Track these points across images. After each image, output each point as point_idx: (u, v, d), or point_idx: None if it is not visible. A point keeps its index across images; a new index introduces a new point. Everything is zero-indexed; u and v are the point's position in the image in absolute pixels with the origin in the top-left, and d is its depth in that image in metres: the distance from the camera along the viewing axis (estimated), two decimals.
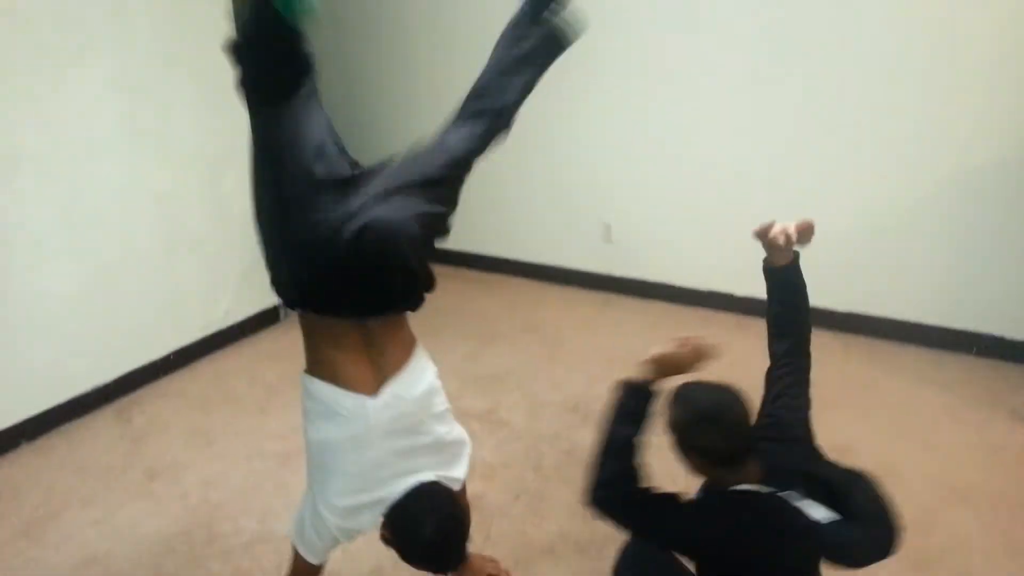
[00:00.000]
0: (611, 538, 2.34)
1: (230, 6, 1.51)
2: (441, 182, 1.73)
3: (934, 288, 3.61)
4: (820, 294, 3.84)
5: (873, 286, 3.76)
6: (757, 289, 3.79)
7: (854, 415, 3.12)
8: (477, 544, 2.40)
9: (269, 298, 4.08)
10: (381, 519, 1.82)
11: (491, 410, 3.23)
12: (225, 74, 1.49)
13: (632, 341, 3.79)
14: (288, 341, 3.94)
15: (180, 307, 3.64)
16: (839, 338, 3.77)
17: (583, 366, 3.57)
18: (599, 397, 3.26)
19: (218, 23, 2.59)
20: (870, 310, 3.78)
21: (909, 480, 2.71)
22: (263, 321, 4.07)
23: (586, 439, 2.99)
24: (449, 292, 4.49)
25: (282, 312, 4.15)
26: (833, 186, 3.68)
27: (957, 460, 2.82)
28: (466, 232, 4.81)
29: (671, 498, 1.69)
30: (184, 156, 3.56)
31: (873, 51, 3.43)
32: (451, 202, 1.78)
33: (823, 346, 3.68)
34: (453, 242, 5.00)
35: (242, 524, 2.58)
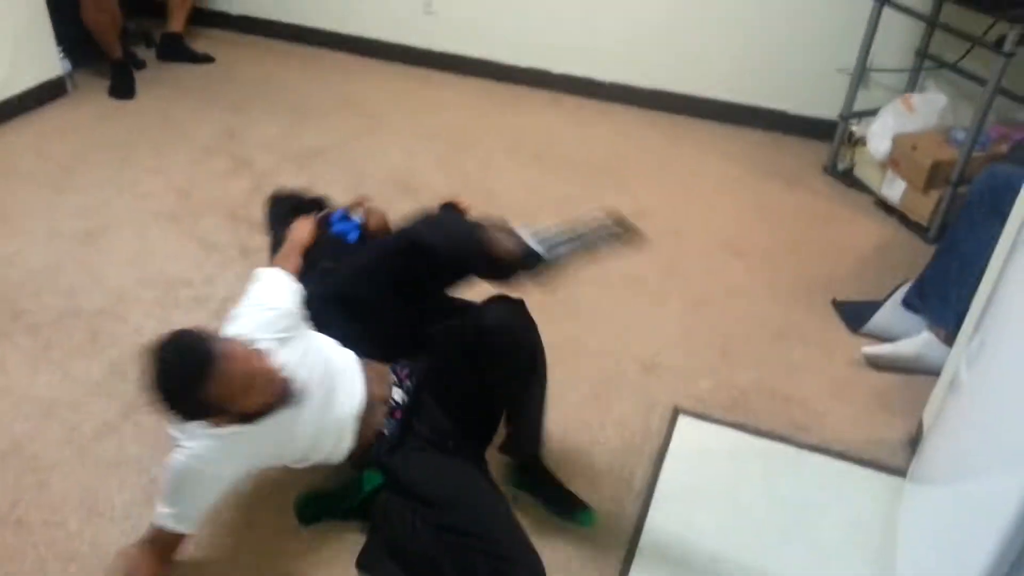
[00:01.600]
0: None
1: None
2: None
3: (727, 66, 3.83)
4: (627, 72, 4.01)
5: (672, 64, 3.93)
6: (573, 68, 3.87)
7: (650, 183, 3.38)
8: None
9: (53, 67, 3.69)
10: None
11: (309, 185, 3.20)
12: None
13: (450, 116, 3.81)
14: (79, 115, 3.64)
15: None
16: (643, 114, 3.96)
17: (401, 141, 3.57)
18: (419, 171, 3.33)
19: None
20: (669, 87, 3.97)
21: (693, 238, 3.03)
22: (48, 93, 3.69)
23: (407, 209, 3.06)
24: (259, 65, 4.26)
25: (69, 83, 3.78)
26: None
27: (735, 220, 3.16)
28: (278, 1, 4.50)
29: None
30: None
31: None
32: None
33: (630, 121, 3.91)
34: (260, 10, 4.71)
35: (47, 301, 2.50)
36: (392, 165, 3.37)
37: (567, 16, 3.95)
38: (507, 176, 3.35)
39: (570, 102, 4.05)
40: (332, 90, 4.02)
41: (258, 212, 2.98)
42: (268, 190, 3.10)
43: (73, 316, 2.43)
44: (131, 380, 2.20)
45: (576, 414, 2.20)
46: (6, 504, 1.87)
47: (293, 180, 3.20)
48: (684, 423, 2.19)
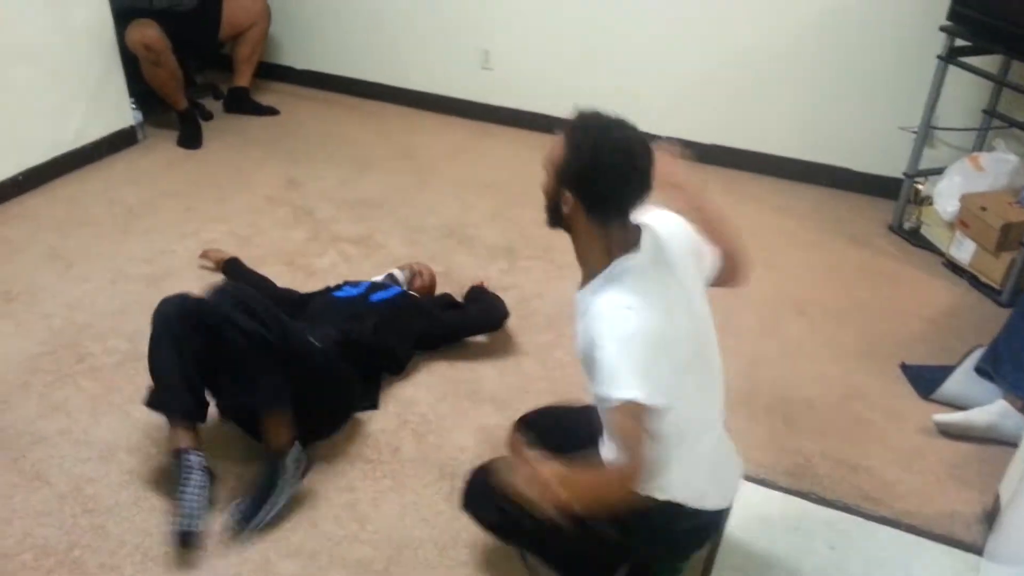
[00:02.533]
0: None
1: None
2: None
3: (789, 122, 3.81)
4: (685, 126, 4.01)
5: (733, 120, 3.91)
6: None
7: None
8: None
9: (125, 117, 3.83)
10: None
11: (367, 235, 3.24)
12: None
13: (505, 169, 3.83)
14: (147, 163, 3.76)
15: (23, 125, 3.36)
16: (702, 169, 3.93)
17: (457, 193, 3.60)
18: (474, 222, 3.34)
19: None
20: (729, 142, 3.95)
21: (753, 295, 2.95)
22: (119, 142, 3.82)
23: (462, 262, 3.07)
24: (322, 118, 4.36)
25: (140, 133, 3.91)
26: (700, 22, 3.74)
27: (796, 278, 3.10)
28: (338, 55, 4.62)
29: None
30: None
31: None
32: None
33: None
34: (324, 65, 4.85)
35: (111, 344, 2.54)
36: (448, 216, 3.39)
37: (622, 70, 3.98)
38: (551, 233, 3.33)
39: None
40: (391, 142, 4.09)
41: (315, 260, 3.04)
42: (327, 239, 3.17)
43: (135, 360, 2.47)
44: None
45: None
46: (63, 545, 1.87)
47: (351, 229, 3.26)
48: (746, 489, 2.10)
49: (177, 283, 2.87)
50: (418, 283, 2.73)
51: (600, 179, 1.44)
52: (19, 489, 2.01)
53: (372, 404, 2.32)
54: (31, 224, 3.20)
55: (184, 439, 1.95)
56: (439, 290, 2.81)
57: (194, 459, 1.92)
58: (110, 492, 2.02)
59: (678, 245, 1.58)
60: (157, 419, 2.22)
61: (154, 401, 1.98)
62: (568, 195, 1.48)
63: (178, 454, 1.93)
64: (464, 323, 2.63)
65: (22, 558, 1.84)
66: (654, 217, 1.59)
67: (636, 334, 1.41)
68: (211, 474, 1.97)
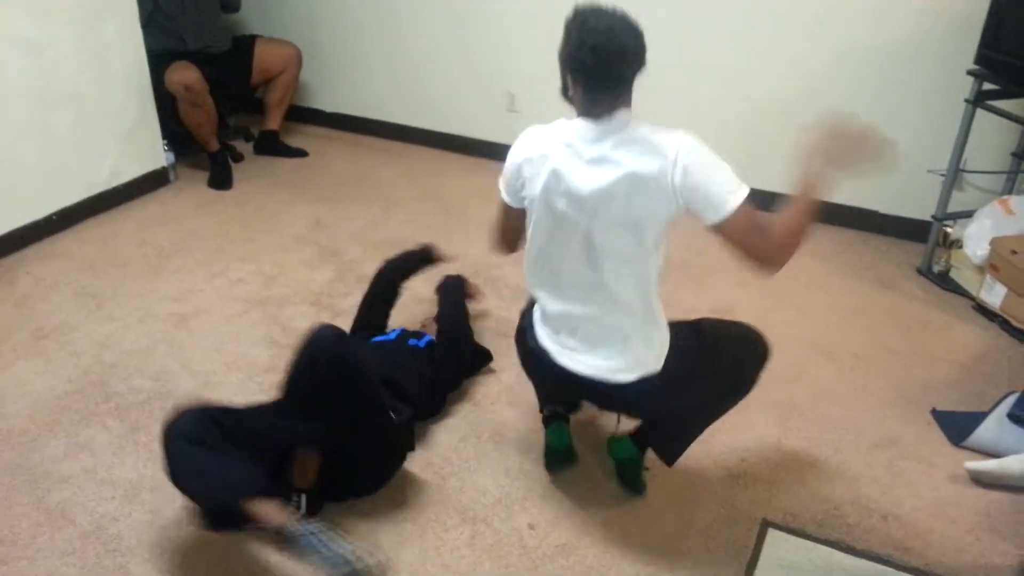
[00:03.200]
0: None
1: None
2: None
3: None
4: None
5: (757, 161, 3.90)
6: None
7: (735, 280, 3.31)
8: None
9: (157, 158, 3.91)
10: None
11: None
12: None
13: None
14: (178, 204, 3.82)
15: (59, 166, 3.45)
16: None
17: (482, 234, 3.60)
18: (497, 264, 3.35)
19: None
20: (754, 184, 3.92)
21: (781, 339, 2.90)
22: (151, 183, 3.90)
23: (486, 303, 3.07)
24: (350, 160, 4.43)
25: (171, 174, 3.99)
26: (725, 67, 3.77)
27: (825, 322, 3.06)
28: (367, 98, 4.70)
29: None
30: (56, 1, 3.28)
31: None
32: None
33: None
34: (353, 108, 4.92)
35: (137, 384, 2.57)
36: (474, 256, 3.40)
37: (645, 114, 3.99)
38: None
39: None
40: (418, 183, 4.13)
41: (340, 301, 3.06)
42: (352, 279, 3.19)
43: (161, 399, 2.49)
44: None
45: (656, 521, 2.11)
46: None
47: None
48: (774, 537, 2.07)
49: (205, 320, 2.90)
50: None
51: (577, 58, 1.73)
52: (44, 528, 2.02)
53: (410, 447, 2.27)
54: (64, 263, 3.26)
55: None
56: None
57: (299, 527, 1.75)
58: (133, 532, 2.02)
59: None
60: None
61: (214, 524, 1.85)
62: (568, 77, 1.80)
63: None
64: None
65: None
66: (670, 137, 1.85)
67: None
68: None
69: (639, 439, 2.20)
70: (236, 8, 4.21)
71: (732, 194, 1.85)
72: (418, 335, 2.57)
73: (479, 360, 2.68)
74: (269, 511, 1.73)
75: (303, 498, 1.99)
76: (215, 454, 1.81)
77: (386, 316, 2.72)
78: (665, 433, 2.15)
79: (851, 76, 3.57)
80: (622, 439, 2.21)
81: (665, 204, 1.78)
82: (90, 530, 2.02)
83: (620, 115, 1.80)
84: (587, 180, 1.78)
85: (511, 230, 2.14)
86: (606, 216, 1.78)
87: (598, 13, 1.72)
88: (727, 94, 3.83)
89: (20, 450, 2.27)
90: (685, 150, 1.80)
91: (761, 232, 1.89)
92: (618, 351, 1.89)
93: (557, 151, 1.84)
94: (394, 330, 2.61)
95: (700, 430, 2.12)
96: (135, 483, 2.17)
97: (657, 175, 1.76)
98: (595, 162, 1.78)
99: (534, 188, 1.88)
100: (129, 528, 2.03)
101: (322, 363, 1.87)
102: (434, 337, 2.58)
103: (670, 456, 2.16)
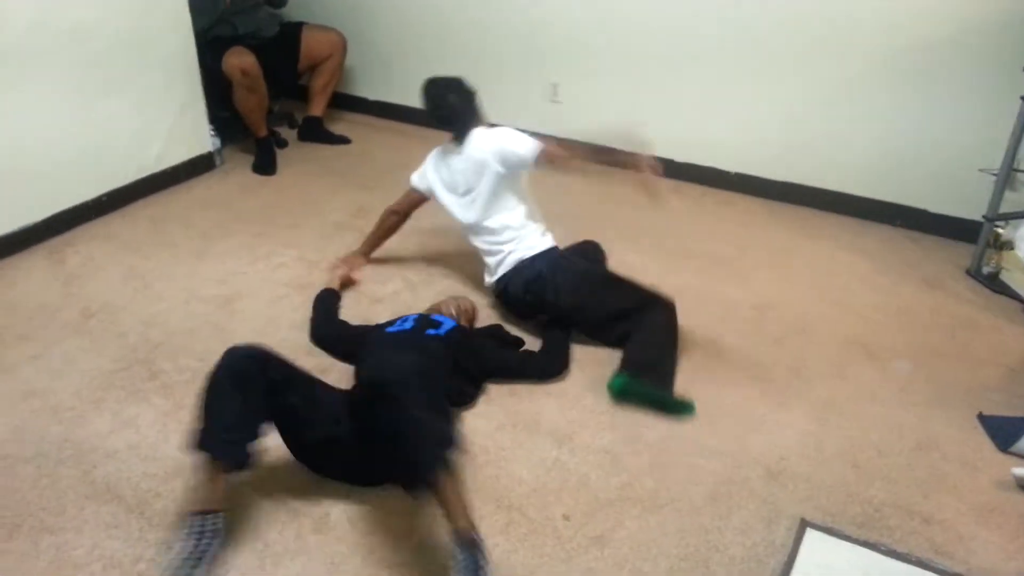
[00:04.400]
0: None
1: None
2: None
3: (866, 161, 3.73)
4: (755, 163, 3.97)
5: (805, 158, 3.85)
6: (695, 156, 3.89)
7: (777, 276, 3.27)
8: None
9: (204, 143, 3.97)
10: None
11: (432, 264, 3.28)
12: None
13: (570, 201, 3.83)
14: (224, 188, 3.88)
15: (110, 149, 3.52)
16: (769, 205, 3.89)
17: None
18: None
19: None
20: (801, 180, 3.89)
21: (822, 337, 2.89)
22: (198, 167, 3.97)
23: None
24: (392, 148, 4.45)
25: (217, 158, 4.05)
26: (776, 62, 3.71)
27: (869, 321, 3.01)
28: (410, 86, 4.69)
29: None
30: None
31: None
32: None
33: (753, 212, 3.84)
34: (396, 96, 4.96)
35: (183, 363, 2.61)
36: None
37: (693, 106, 3.97)
38: (626, 263, 3.31)
39: (693, 191, 4.02)
40: None
41: (379, 288, 3.08)
42: (392, 267, 3.21)
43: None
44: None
45: (692, 516, 2.10)
46: (129, 559, 1.91)
47: (417, 258, 3.30)
48: (812, 537, 2.04)
49: (248, 303, 2.95)
50: (464, 321, 2.73)
51: (431, 109, 2.93)
52: (90, 501, 2.07)
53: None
54: (113, 243, 3.33)
55: (216, 495, 1.89)
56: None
57: (220, 524, 1.87)
58: (175, 508, 2.06)
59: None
60: None
61: (203, 442, 1.89)
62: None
63: (204, 516, 1.86)
64: (521, 369, 2.61)
65: (91, 568, 1.88)
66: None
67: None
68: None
69: (626, 368, 2.52)
70: (283, 4, 4.26)
71: (525, 147, 2.73)
72: (435, 323, 2.54)
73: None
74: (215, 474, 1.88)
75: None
76: (239, 410, 1.90)
77: None
78: (637, 359, 2.53)
79: (905, 74, 3.50)
80: (612, 378, 2.50)
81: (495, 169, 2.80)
82: (134, 504, 2.07)
83: (471, 131, 2.90)
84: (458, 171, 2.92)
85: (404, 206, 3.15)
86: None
87: (435, 83, 2.96)
88: (779, 90, 3.77)
89: (67, 425, 2.33)
90: (495, 137, 2.84)
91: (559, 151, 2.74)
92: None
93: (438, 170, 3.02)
94: (409, 316, 2.59)
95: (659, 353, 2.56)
96: (179, 460, 2.21)
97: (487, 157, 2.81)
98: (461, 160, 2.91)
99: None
100: (172, 504, 2.07)
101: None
102: (457, 322, 2.60)
103: (664, 384, 2.50)
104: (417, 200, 3.08)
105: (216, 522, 1.88)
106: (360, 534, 2.00)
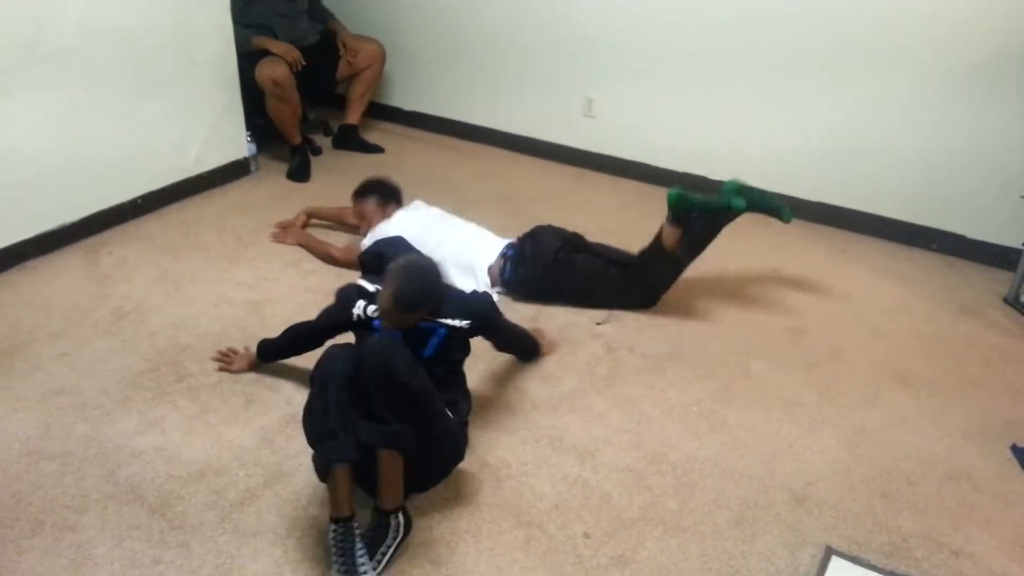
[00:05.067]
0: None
1: None
2: None
3: (900, 184, 3.67)
4: (790, 183, 3.93)
5: (841, 179, 3.80)
6: (727, 173, 3.86)
7: (811, 300, 3.23)
8: None
9: (240, 149, 4.02)
10: None
11: None
12: None
13: (601, 215, 3.82)
14: (258, 194, 3.92)
15: (148, 151, 3.57)
16: (804, 226, 3.84)
17: None
18: None
19: None
20: (837, 201, 3.84)
21: (856, 363, 2.84)
22: (233, 172, 4.01)
23: (552, 308, 3.05)
24: (425, 158, 4.47)
25: (252, 164, 4.10)
26: (813, 81, 3.68)
27: (903, 347, 2.95)
28: (445, 98, 4.74)
29: None
30: None
31: None
32: None
33: (789, 232, 3.79)
34: (431, 107, 4.97)
35: (209, 366, 2.63)
36: None
37: (729, 126, 3.94)
38: None
39: None
40: (490, 184, 4.14)
41: None
42: None
43: (231, 382, 2.55)
44: (278, 450, 2.27)
45: (716, 540, 2.06)
46: (148, 559, 1.92)
47: None
48: (837, 565, 2.00)
49: (277, 308, 2.97)
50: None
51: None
52: (113, 500, 2.09)
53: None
54: (147, 245, 3.37)
55: (348, 500, 1.90)
56: None
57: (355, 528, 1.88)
58: (197, 511, 2.07)
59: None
60: (246, 442, 2.29)
61: (328, 455, 1.91)
62: None
63: (348, 522, 1.87)
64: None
65: (111, 568, 1.89)
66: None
67: None
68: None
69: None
70: (323, 18, 4.32)
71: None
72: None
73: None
74: None
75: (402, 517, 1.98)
76: (343, 415, 1.91)
77: None
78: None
79: (946, 97, 3.44)
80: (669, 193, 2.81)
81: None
82: (156, 506, 2.08)
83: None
84: None
85: None
86: None
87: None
88: (816, 110, 3.73)
89: (94, 423, 2.35)
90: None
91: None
92: None
93: None
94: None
95: None
96: (202, 463, 2.22)
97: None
98: None
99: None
100: (193, 507, 2.08)
101: (373, 380, 1.90)
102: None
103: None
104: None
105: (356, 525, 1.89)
106: None
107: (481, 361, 2.65)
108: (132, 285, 3.09)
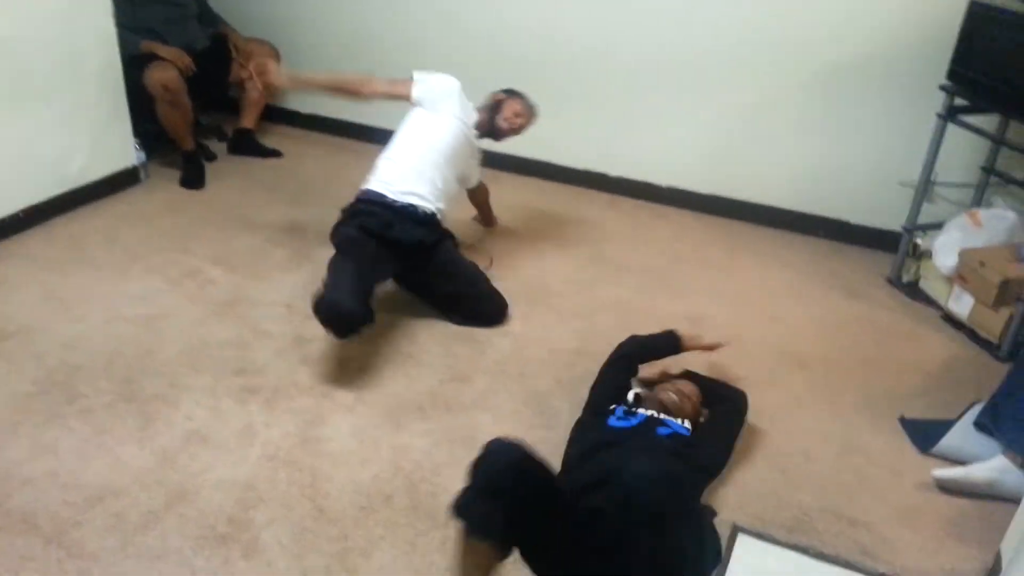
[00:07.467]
0: None
1: None
2: None
3: (789, 175, 3.84)
4: (685, 177, 4.05)
5: (732, 171, 3.95)
6: (629, 170, 3.91)
7: (708, 288, 3.33)
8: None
9: (128, 157, 3.86)
10: None
11: None
12: None
13: (506, 216, 3.84)
14: (149, 204, 3.77)
15: (29, 162, 3.39)
16: (699, 218, 3.96)
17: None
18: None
19: None
20: (729, 193, 3.97)
21: (753, 347, 2.95)
22: (122, 181, 3.84)
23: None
24: (325, 162, 4.42)
25: (142, 173, 3.94)
26: (701, 75, 3.80)
27: (797, 330, 3.09)
28: (340, 101, 4.66)
29: None
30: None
31: None
32: None
33: (686, 225, 3.91)
34: (331, 110, 4.89)
35: (103, 385, 2.52)
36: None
37: (621, 121, 4.02)
38: (560, 275, 3.34)
39: (626, 204, 4.08)
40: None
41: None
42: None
43: (127, 401, 2.45)
44: (180, 469, 2.19)
45: None
46: None
47: None
48: (743, 542, 2.08)
49: (172, 323, 2.86)
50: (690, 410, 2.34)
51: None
52: (4, 532, 1.98)
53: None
54: (30, 262, 3.20)
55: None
56: None
57: None
58: (96, 537, 1.98)
59: None
60: (145, 463, 2.21)
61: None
62: None
63: None
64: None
65: None
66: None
67: None
68: None
69: None
70: (213, 23, 4.21)
71: None
72: (664, 423, 2.18)
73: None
74: None
75: None
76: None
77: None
78: None
79: (826, 89, 3.62)
80: None
81: None
82: (52, 534, 1.98)
83: None
84: None
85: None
86: None
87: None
88: (703, 104, 3.86)
89: None
90: None
91: None
92: None
93: None
94: (638, 415, 2.23)
95: None
96: (100, 487, 2.12)
97: None
98: None
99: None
100: (92, 533, 1.99)
101: (505, 492, 1.70)
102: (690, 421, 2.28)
103: None
104: (399, 96, 3.32)
105: None
106: None
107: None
108: (16, 305, 2.92)
